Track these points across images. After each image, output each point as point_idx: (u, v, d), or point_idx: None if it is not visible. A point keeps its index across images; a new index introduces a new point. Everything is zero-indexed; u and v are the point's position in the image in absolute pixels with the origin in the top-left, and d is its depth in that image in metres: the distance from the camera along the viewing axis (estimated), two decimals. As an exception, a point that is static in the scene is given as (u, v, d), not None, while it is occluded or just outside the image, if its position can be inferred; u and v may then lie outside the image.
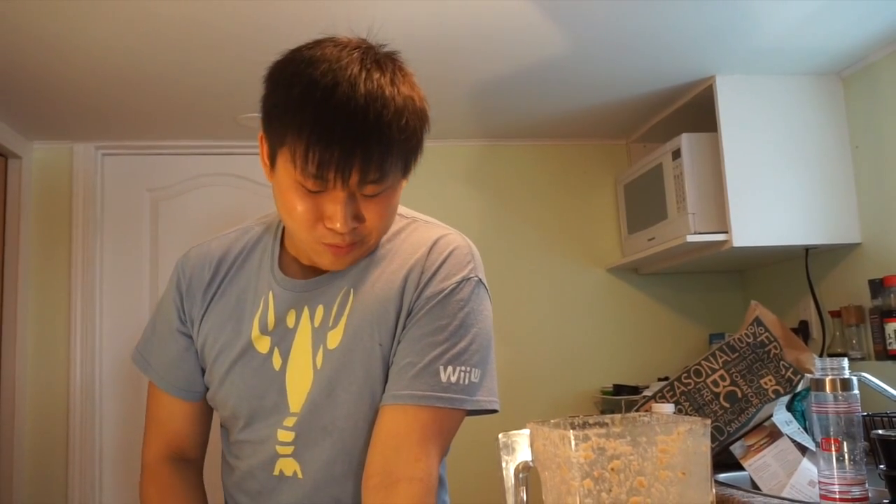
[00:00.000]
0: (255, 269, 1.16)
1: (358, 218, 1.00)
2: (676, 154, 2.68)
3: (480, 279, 1.12)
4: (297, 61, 0.98)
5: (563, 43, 2.30)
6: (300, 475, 1.11)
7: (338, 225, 0.98)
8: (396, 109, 0.95)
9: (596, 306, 3.24)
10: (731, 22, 2.20)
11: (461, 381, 1.04)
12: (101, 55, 2.24)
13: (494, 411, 1.09)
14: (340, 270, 1.11)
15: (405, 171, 1.03)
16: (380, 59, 0.99)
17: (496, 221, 3.22)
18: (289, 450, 1.11)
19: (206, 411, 1.24)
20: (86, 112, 2.72)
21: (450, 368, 1.04)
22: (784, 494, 1.75)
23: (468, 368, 1.05)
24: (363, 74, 0.95)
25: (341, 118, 0.92)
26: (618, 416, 0.86)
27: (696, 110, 2.80)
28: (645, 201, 2.96)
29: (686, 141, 2.65)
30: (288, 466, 1.12)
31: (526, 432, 0.86)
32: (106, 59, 2.27)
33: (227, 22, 2.06)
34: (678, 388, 2.05)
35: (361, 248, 1.06)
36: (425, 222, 1.19)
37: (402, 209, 1.20)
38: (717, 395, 1.99)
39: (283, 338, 1.11)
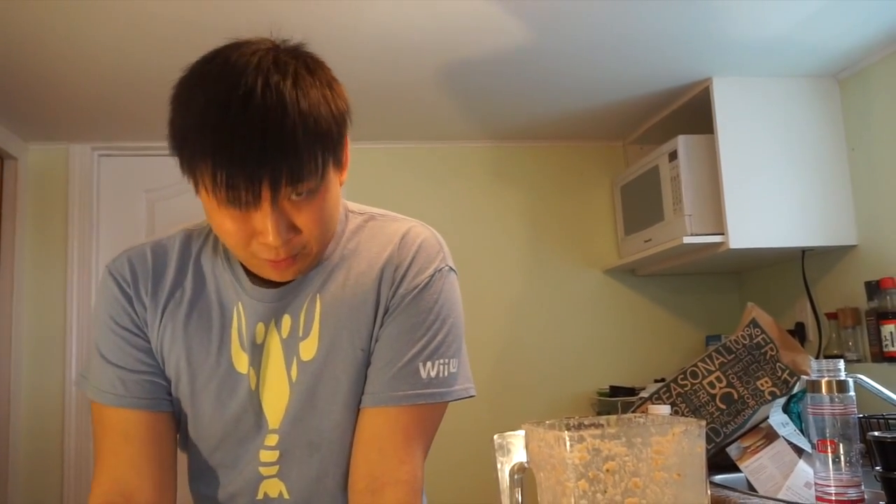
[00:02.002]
0: (212, 278, 1.08)
1: (292, 228, 0.95)
2: (673, 156, 2.68)
3: (451, 267, 1.10)
4: (193, 78, 0.93)
5: (560, 45, 2.30)
6: (286, 495, 1.08)
7: (270, 239, 0.92)
8: (301, 113, 0.89)
9: (592, 308, 3.24)
10: (728, 24, 2.20)
11: (440, 375, 1.04)
12: (98, 56, 2.24)
13: (471, 397, 1.08)
14: (304, 277, 1.06)
15: (327, 168, 0.95)
16: (280, 61, 0.93)
17: (493, 222, 3.22)
18: (273, 470, 1.07)
19: (168, 435, 1.09)
20: (82, 113, 2.71)
21: (429, 364, 1.03)
22: (780, 496, 1.75)
23: (446, 360, 1.05)
24: (259, 83, 0.89)
25: (240, 135, 0.87)
26: (613, 417, 0.86)
27: (692, 112, 2.80)
28: (641, 203, 2.96)
29: (683, 143, 2.65)
30: (273, 488, 1.08)
31: (521, 433, 0.86)
32: (102, 60, 2.27)
33: (223, 23, 2.06)
34: (674, 389, 2.05)
35: (305, 259, 1.00)
36: (382, 216, 1.14)
37: (352, 205, 1.15)
38: (713, 396, 1.99)
39: (254, 353, 1.05)
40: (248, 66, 0.90)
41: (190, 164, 0.92)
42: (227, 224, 0.95)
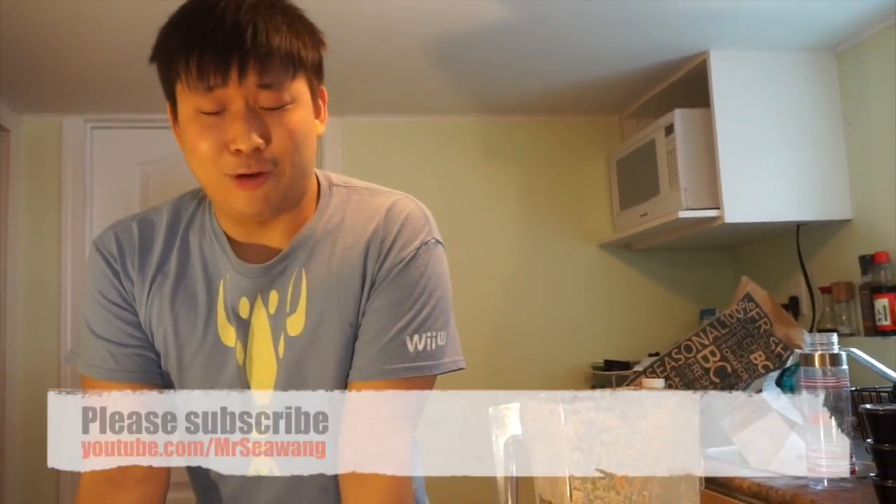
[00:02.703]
0: (198, 252, 1.08)
1: (263, 135, 0.95)
2: (669, 130, 2.67)
3: (437, 239, 1.10)
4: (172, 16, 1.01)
5: (554, 16, 2.28)
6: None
7: (242, 145, 0.93)
8: (275, 22, 0.95)
9: (588, 282, 3.25)
10: (726, -4, 2.19)
11: (428, 348, 1.03)
12: (91, 29, 2.21)
13: (461, 369, 1.08)
14: (289, 251, 1.05)
15: (297, 78, 0.98)
16: None
17: (487, 197, 3.21)
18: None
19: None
20: (75, 85, 2.69)
21: (416, 337, 1.03)
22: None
23: (434, 333, 1.04)
24: None
25: (210, 23, 0.93)
26: (608, 391, 0.87)
27: (689, 86, 2.79)
28: (637, 177, 2.95)
29: (679, 116, 2.64)
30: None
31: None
32: (95, 33, 2.25)
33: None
34: (668, 363, 2.06)
35: (276, 182, 0.98)
36: (367, 189, 1.13)
37: (336, 177, 1.14)
38: (707, 370, 2.00)
39: (240, 328, 1.06)
40: None
41: (167, 74, 0.98)
42: (200, 142, 0.96)
